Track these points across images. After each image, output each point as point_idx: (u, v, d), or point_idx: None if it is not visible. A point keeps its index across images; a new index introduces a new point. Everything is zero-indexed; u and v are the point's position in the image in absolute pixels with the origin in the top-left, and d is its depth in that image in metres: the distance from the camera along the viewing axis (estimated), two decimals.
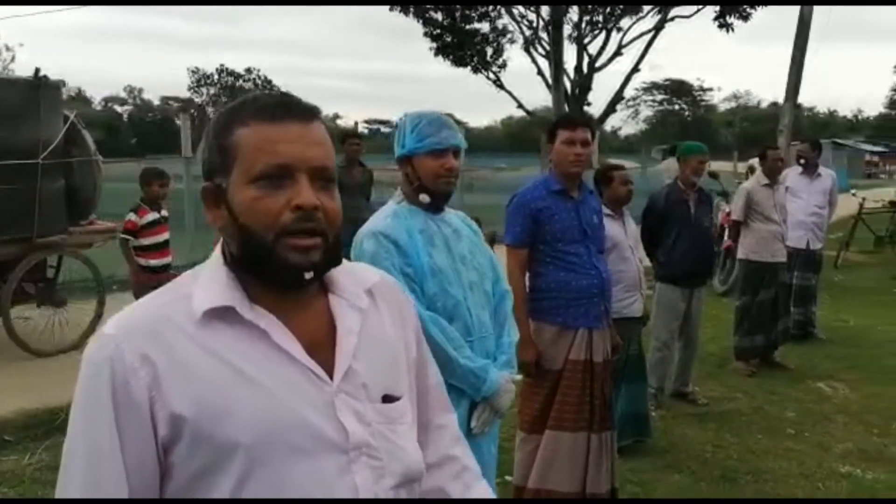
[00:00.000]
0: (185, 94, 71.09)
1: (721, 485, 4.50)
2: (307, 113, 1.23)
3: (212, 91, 68.39)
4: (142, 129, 68.05)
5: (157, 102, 79.30)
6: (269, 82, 65.45)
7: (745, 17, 19.91)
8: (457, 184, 2.69)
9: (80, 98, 75.20)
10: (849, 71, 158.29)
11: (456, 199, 2.78)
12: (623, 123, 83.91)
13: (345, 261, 1.31)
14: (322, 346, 1.23)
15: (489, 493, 1.49)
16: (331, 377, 1.21)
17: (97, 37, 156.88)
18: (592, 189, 3.99)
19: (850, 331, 8.41)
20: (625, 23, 22.48)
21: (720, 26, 20.30)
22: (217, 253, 1.27)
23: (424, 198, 2.62)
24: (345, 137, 8.04)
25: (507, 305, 2.84)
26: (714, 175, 6.34)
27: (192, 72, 68.62)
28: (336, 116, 79.37)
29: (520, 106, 23.53)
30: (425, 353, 1.45)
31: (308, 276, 1.20)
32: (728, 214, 8.98)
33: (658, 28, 21.56)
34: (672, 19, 21.48)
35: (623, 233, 4.72)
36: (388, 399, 1.27)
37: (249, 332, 1.19)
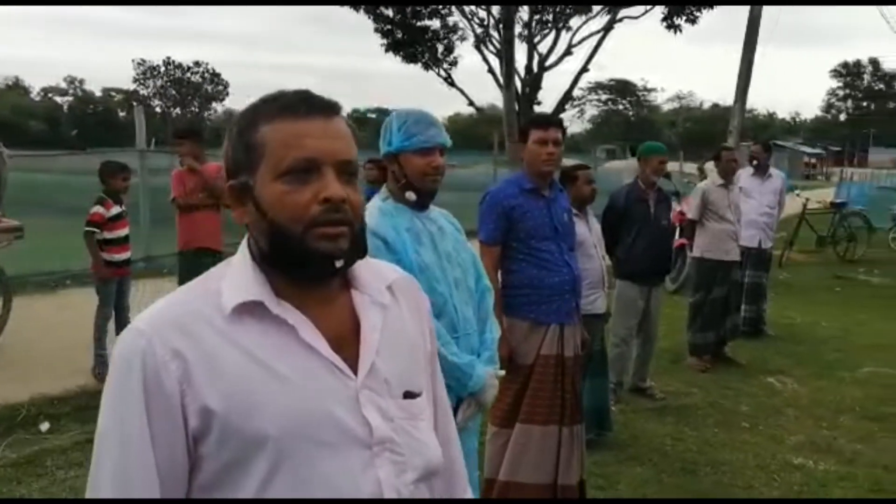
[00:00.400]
0: (129, 85, 69.56)
1: (681, 476, 4.61)
2: (330, 108, 1.25)
3: (158, 83, 67.04)
4: (83, 120, 66.55)
5: (98, 94, 77.62)
6: (218, 76, 64.45)
7: (693, 20, 20.26)
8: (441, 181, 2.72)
9: (18, 87, 73.26)
10: (786, 74, 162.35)
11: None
12: (569, 123, 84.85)
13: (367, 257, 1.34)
14: (346, 342, 1.25)
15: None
16: (354, 373, 1.23)
17: (35, 23, 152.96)
18: (563, 188, 4.05)
19: (796, 328, 8.67)
20: (574, 22, 22.79)
21: (668, 27, 20.64)
22: (243, 249, 1.28)
23: (411, 195, 2.64)
24: None
25: (489, 302, 2.87)
26: (667, 175, 6.48)
27: (138, 63, 67.17)
28: None
29: (471, 104, 23.64)
30: (436, 347, 1.49)
31: (338, 263, 1.22)
32: (681, 213, 9.15)
33: (607, 28, 21.88)
34: (621, 20, 21.81)
35: (588, 231, 4.79)
36: (409, 395, 1.29)
37: (277, 328, 1.20)
